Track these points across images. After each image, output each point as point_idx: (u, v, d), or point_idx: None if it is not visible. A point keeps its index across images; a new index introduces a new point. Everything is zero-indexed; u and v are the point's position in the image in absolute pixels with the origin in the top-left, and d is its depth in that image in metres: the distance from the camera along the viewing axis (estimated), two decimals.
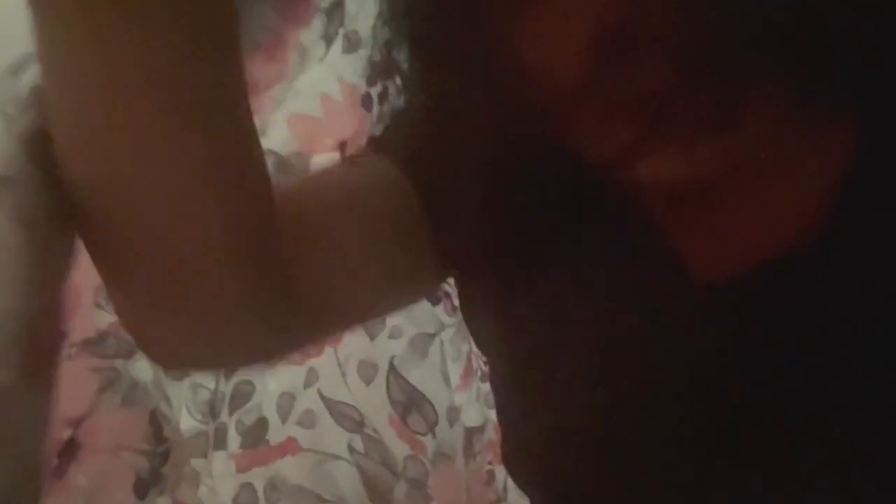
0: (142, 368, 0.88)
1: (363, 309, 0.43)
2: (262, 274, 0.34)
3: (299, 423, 0.92)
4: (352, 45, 0.95)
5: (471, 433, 0.97)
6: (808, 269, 0.33)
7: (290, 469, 0.91)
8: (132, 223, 0.31)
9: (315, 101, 0.94)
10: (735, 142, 0.31)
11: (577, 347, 0.39)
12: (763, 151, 0.32)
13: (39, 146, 0.29)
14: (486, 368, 0.89)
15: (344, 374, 0.93)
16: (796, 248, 0.34)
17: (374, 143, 0.44)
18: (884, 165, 0.33)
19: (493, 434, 0.95)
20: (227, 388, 0.93)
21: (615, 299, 0.38)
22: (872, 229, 0.33)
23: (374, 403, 0.93)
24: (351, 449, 0.93)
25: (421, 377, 0.95)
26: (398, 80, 0.35)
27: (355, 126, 0.92)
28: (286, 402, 0.93)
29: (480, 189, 0.38)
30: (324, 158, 0.92)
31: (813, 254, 0.33)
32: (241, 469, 0.91)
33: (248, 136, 0.33)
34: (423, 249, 0.41)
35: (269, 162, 0.35)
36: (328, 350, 0.92)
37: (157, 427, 0.89)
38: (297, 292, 0.36)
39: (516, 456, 0.44)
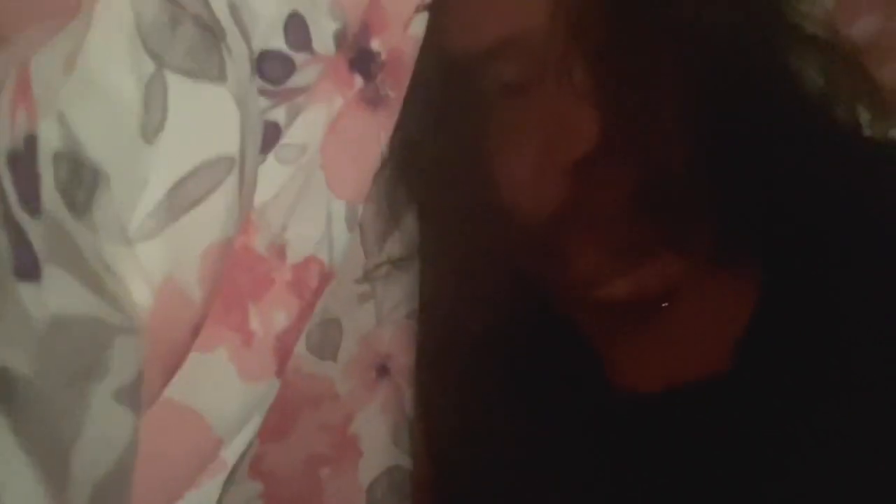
0: None
1: None
2: None
3: None
4: None
5: None
6: (717, 395, 0.38)
7: None
8: None
9: None
10: (669, 271, 0.37)
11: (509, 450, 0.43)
12: (688, 285, 0.39)
13: None
14: None
15: None
16: (708, 375, 0.39)
17: None
18: (782, 312, 0.38)
19: None
20: None
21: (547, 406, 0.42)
22: (774, 368, 0.38)
23: None
24: None
25: None
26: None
27: None
28: None
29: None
30: None
31: (721, 383, 0.38)
32: None
33: None
34: None
35: None
36: None
37: None
38: None
39: None
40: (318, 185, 0.29)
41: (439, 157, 0.39)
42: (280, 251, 0.30)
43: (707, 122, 0.34)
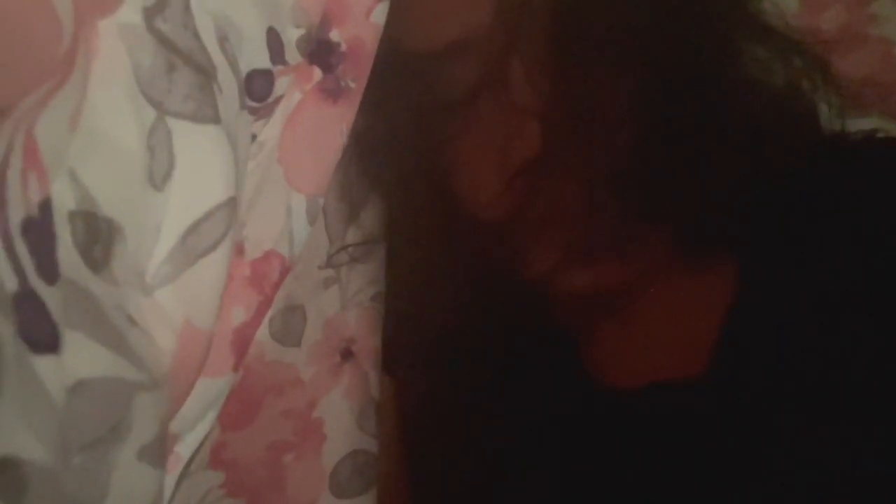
0: None
1: None
2: None
3: None
4: None
5: None
6: (696, 392, 0.38)
7: None
8: None
9: None
10: (628, 266, 0.37)
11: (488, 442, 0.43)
12: (654, 279, 0.39)
13: None
14: None
15: None
16: (687, 372, 0.39)
17: None
18: (759, 307, 0.38)
19: None
20: None
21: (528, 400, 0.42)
22: (753, 366, 0.37)
23: None
24: None
25: None
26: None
27: None
28: None
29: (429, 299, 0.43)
30: None
31: (700, 380, 0.38)
32: None
33: None
34: None
35: None
36: None
37: None
38: None
39: None
40: (277, 179, 0.29)
41: (397, 150, 0.39)
42: (239, 248, 0.30)
43: (657, 123, 0.34)
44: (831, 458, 0.35)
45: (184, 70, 0.22)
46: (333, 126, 0.30)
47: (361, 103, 0.32)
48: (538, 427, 0.41)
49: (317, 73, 0.29)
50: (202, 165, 0.23)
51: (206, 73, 0.23)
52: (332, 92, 0.30)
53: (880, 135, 0.41)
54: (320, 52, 0.29)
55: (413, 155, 0.39)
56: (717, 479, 0.36)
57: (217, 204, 0.24)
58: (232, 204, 0.24)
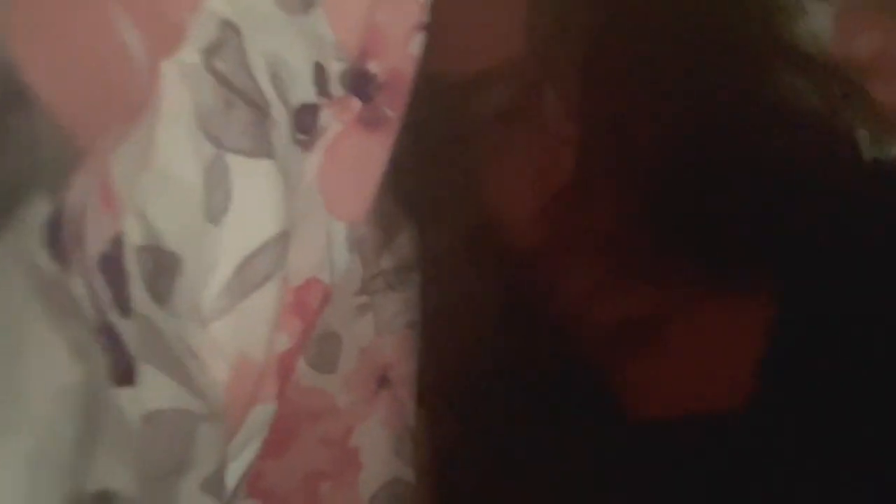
0: None
1: None
2: None
3: None
4: None
5: None
6: (732, 427, 0.37)
7: None
8: None
9: None
10: (663, 294, 0.37)
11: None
12: (689, 307, 0.38)
13: None
14: None
15: None
16: (723, 403, 0.38)
17: None
18: (800, 336, 0.37)
19: None
20: None
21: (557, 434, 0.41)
22: (794, 400, 0.36)
23: None
24: None
25: None
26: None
27: None
28: None
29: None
30: None
31: (737, 414, 0.37)
32: None
33: None
34: None
35: None
36: None
37: None
38: None
39: None
40: (317, 208, 0.29)
41: (431, 176, 0.40)
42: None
43: (691, 150, 0.34)
44: (879, 497, 0.34)
45: (240, 107, 0.23)
46: (372, 155, 0.31)
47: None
48: (571, 461, 0.41)
49: (356, 103, 0.30)
50: (256, 200, 0.24)
51: (260, 109, 0.24)
52: (370, 122, 0.30)
53: None
54: (359, 83, 0.29)
55: (446, 181, 0.40)
56: None
57: (270, 237, 0.24)
58: (284, 237, 0.25)
